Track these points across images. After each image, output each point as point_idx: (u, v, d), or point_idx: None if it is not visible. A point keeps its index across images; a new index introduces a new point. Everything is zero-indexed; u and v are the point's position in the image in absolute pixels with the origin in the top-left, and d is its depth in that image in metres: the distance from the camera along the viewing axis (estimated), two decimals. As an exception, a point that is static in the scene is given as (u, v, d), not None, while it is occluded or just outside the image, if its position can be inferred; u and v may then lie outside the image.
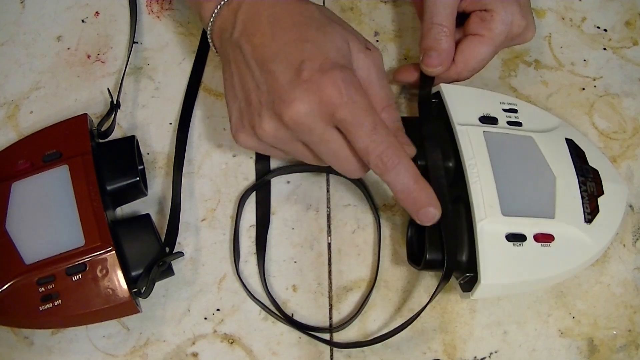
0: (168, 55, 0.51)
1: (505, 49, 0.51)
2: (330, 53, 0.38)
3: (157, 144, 0.49)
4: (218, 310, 0.44)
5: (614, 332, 0.44)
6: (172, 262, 0.42)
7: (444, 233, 0.40)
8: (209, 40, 0.44)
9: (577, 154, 0.44)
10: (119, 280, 0.40)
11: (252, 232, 0.46)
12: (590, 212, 0.42)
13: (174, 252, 0.43)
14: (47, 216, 0.41)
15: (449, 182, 0.42)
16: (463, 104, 0.44)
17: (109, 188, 0.43)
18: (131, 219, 0.44)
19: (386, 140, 0.37)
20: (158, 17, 0.52)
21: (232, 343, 0.43)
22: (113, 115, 0.46)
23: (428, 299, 0.41)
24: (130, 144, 0.45)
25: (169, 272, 0.42)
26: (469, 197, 0.40)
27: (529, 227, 0.40)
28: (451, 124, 0.43)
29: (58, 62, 0.51)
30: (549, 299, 0.45)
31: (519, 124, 0.44)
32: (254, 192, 0.47)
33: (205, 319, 0.44)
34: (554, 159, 0.43)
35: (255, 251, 0.46)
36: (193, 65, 0.50)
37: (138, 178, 0.43)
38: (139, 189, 0.44)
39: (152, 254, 0.42)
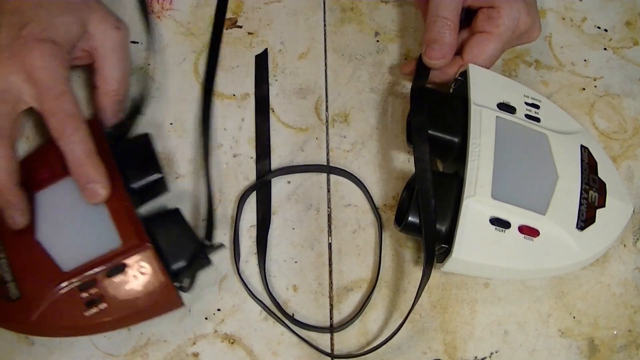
0: (168, 55, 0.51)
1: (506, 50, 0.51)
2: (56, 26, 0.42)
3: (157, 144, 0.48)
4: (219, 310, 0.44)
5: (615, 332, 0.44)
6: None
7: (423, 221, 0.41)
8: None
9: (588, 162, 0.44)
10: (161, 276, 0.40)
11: (253, 232, 0.46)
12: (585, 220, 0.42)
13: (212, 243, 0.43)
14: (78, 221, 0.40)
15: (454, 155, 0.43)
16: (485, 86, 0.44)
17: (134, 186, 0.43)
18: (161, 214, 0.43)
19: (69, 109, 0.41)
20: (158, 17, 0.52)
21: (232, 343, 0.43)
22: (134, 120, 0.47)
23: (420, 292, 0.41)
24: (146, 141, 0.44)
25: (207, 262, 0.43)
26: (464, 173, 0.41)
27: (516, 216, 0.41)
28: (468, 102, 0.43)
29: (58, 62, 0.51)
30: (549, 299, 0.45)
31: (537, 119, 0.44)
32: (254, 192, 0.47)
33: (206, 318, 0.44)
34: (562, 160, 0.43)
35: (255, 251, 0.46)
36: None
37: (162, 174, 0.43)
38: (163, 185, 0.44)
39: (188, 246, 0.41)
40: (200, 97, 0.50)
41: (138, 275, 0.39)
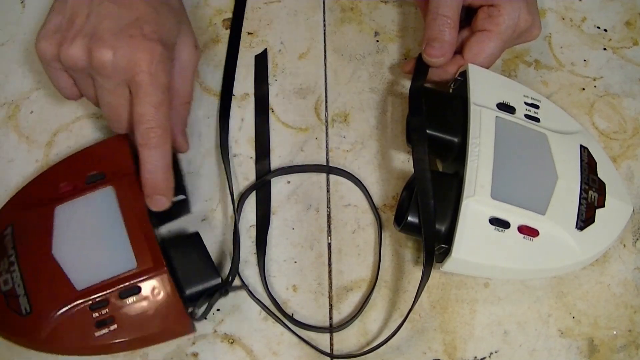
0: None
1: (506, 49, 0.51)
2: (165, 28, 0.41)
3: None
4: (218, 310, 0.44)
5: (614, 332, 0.44)
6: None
7: (423, 227, 0.41)
8: None
9: (587, 162, 0.44)
10: (175, 301, 0.39)
11: (252, 232, 0.46)
12: (585, 220, 0.42)
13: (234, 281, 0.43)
14: (95, 239, 0.40)
15: (454, 156, 0.43)
16: (485, 86, 0.44)
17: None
18: (181, 237, 0.43)
19: (162, 120, 0.40)
20: (158, 17, 0.52)
21: (232, 343, 0.43)
22: None
23: (420, 292, 0.41)
24: (175, 160, 0.43)
25: (225, 293, 0.43)
26: (464, 173, 0.41)
27: (515, 216, 0.41)
28: (468, 102, 0.43)
29: (58, 62, 0.51)
30: (549, 299, 0.45)
31: (536, 119, 0.44)
32: (254, 192, 0.47)
33: (206, 318, 0.44)
34: (561, 160, 0.43)
35: (255, 251, 0.46)
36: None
37: (185, 196, 0.43)
38: (185, 207, 0.44)
39: (204, 273, 0.41)
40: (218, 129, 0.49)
41: (151, 298, 0.39)
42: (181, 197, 0.43)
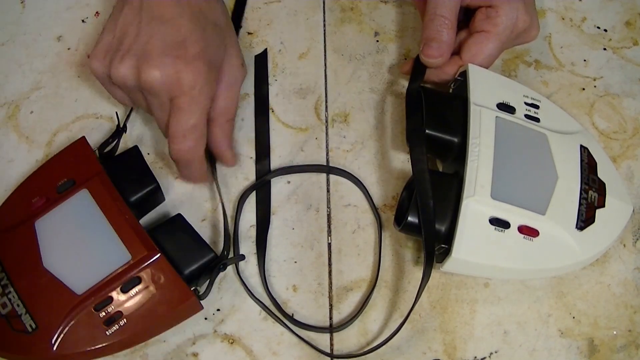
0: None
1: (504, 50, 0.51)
2: (211, 47, 0.42)
3: (157, 144, 0.49)
4: (218, 310, 0.44)
5: (614, 332, 0.44)
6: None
7: (423, 225, 0.41)
8: None
9: (587, 162, 0.44)
10: (177, 282, 0.40)
11: (252, 232, 0.46)
12: (585, 220, 0.42)
13: (233, 254, 0.44)
14: (83, 242, 0.40)
15: (454, 155, 0.43)
16: (485, 87, 0.44)
17: (132, 200, 0.43)
18: (164, 222, 0.43)
19: (190, 145, 0.41)
20: (158, 17, 0.52)
21: (232, 343, 0.43)
22: (118, 138, 0.46)
23: (420, 292, 0.41)
24: (136, 152, 0.44)
25: (223, 269, 0.43)
26: (464, 173, 0.41)
27: (515, 216, 0.41)
28: (468, 102, 0.43)
29: (58, 62, 0.51)
30: (549, 299, 0.45)
31: (536, 119, 0.44)
32: (254, 192, 0.47)
33: (206, 319, 0.44)
34: (561, 160, 0.43)
35: (255, 251, 0.46)
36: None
37: (156, 183, 0.44)
38: (159, 195, 0.45)
39: (196, 250, 0.42)
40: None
41: (153, 285, 0.39)
42: (153, 185, 0.44)
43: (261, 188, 0.47)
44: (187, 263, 0.41)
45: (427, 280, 0.41)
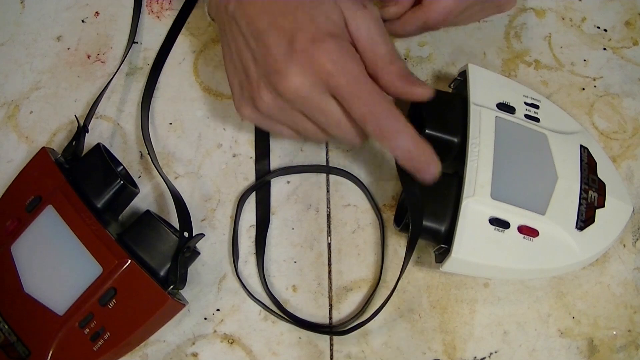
0: (168, 55, 0.51)
1: (504, 48, 0.51)
2: (321, 22, 0.38)
3: (157, 144, 0.49)
4: (218, 310, 0.44)
5: (614, 332, 0.44)
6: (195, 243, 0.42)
7: (410, 212, 0.40)
8: (207, 15, 0.44)
9: (587, 162, 0.44)
10: (151, 285, 0.39)
11: (252, 232, 0.46)
12: (585, 220, 0.42)
13: (193, 234, 0.42)
14: (57, 261, 0.40)
15: (453, 155, 0.43)
16: (485, 86, 0.44)
17: (99, 205, 0.42)
18: (134, 223, 0.43)
19: (383, 108, 0.37)
20: (158, 17, 0.52)
21: (232, 343, 0.43)
22: (81, 139, 0.45)
23: (401, 275, 0.41)
24: (98, 152, 0.43)
25: (194, 254, 0.42)
26: (464, 173, 0.41)
27: (515, 216, 0.41)
28: (467, 102, 0.43)
29: (58, 62, 0.51)
30: (549, 299, 0.45)
31: (536, 119, 0.44)
32: (254, 192, 0.47)
33: (205, 319, 0.44)
34: (561, 160, 0.43)
35: (255, 251, 0.46)
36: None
37: (121, 181, 0.42)
38: (128, 190, 0.43)
39: (169, 246, 0.41)
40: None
41: (129, 293, 0.39)
42: (117, 184, 0.42)
43: (261, 188, 0.47)
44: (160, 262, 0.41)
45: (411, 251, 0.41)
